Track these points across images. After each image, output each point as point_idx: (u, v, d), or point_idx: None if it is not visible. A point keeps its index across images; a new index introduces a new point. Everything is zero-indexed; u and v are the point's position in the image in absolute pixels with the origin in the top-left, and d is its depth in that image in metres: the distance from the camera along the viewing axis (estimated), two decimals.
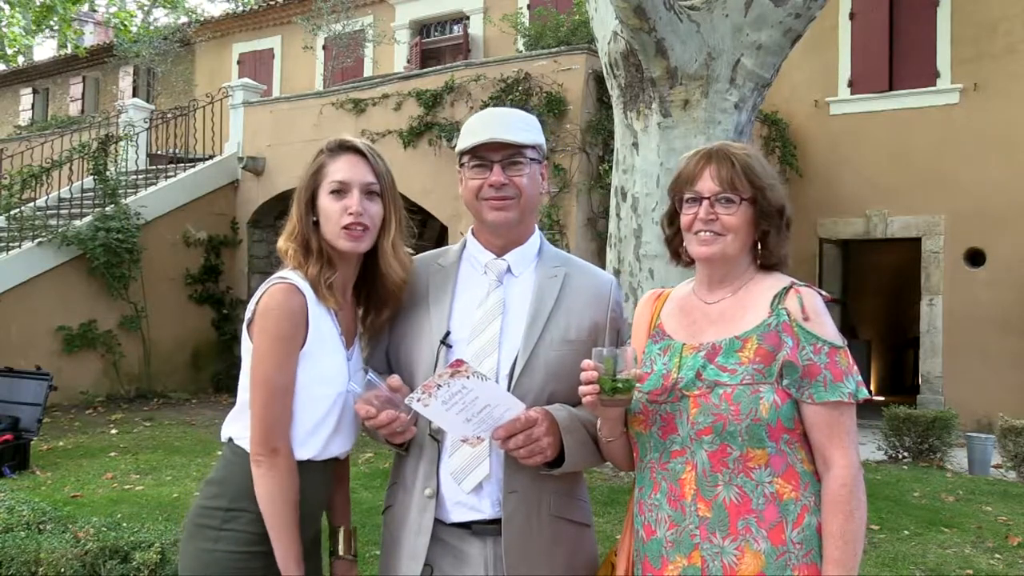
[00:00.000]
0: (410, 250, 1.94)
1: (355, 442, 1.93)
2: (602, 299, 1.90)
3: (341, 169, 1.84)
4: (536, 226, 1.97)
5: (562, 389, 1.79)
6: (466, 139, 1.85)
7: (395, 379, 1.74)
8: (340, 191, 1.82)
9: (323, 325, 1.81)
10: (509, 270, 1.88)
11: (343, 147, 1.87)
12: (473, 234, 1.94)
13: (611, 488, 5.97)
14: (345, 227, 1.80)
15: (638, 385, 1.75)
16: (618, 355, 1.62)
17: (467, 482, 1.76)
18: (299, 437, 1.79)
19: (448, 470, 1.77)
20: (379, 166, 1.87)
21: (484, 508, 1.76)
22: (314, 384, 1.79)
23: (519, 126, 1.85)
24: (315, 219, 1.85)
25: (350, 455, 1.99)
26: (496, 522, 1.76)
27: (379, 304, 1.92)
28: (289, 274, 1.82)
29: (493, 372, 1.77)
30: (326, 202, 1.83)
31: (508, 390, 1.75)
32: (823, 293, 1.74)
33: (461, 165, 1.88)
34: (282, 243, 1.88)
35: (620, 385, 1.61)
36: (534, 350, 1.79)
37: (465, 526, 1.77)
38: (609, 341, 1.86)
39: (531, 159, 1.85)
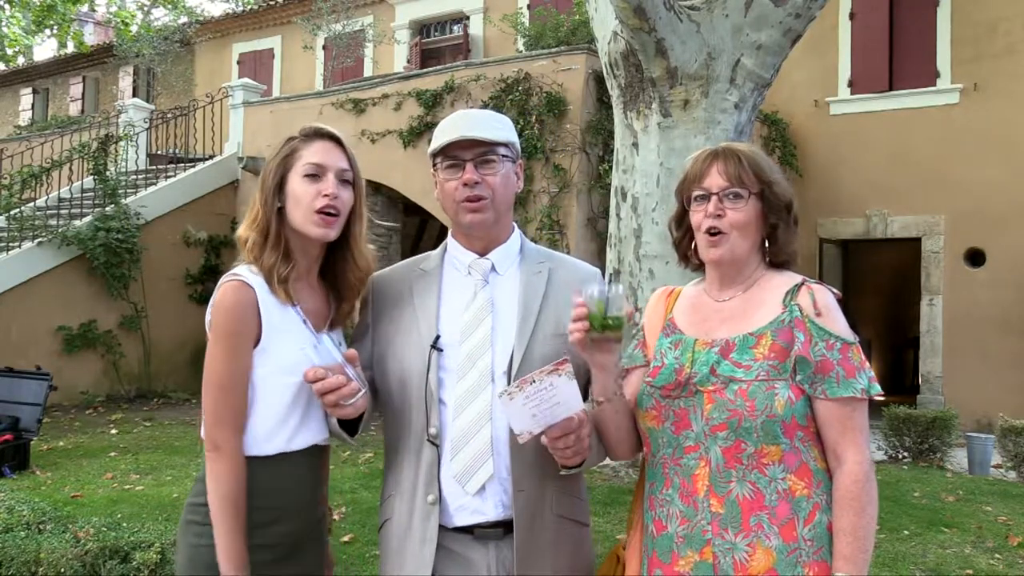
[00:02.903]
0: (372, 247, 1.94)
1: (329, 431, 1.90)
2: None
3: (317, 153, 1.83)
4: (514, 224, 1.96)
5: None
6: (437, 140, 1.85)
7: (351, 351, 1.76)
8: (315, 175, 1.82)
9: (278, 316, 1.80)
10: (494, 269, 1.88)
11: (318, 133, 1.86)
12: (453, 236, 1.94)
13: (611, 488, 5.97)
14: (319, 211, 1.80)
15: (650, 380, 1.75)
16: (610, 295, 1.60)
17: (471, 483, 1.75)
18: (264, 432, 1.78)
19: (451, 474, 1.76)
20: (352, 155, 1.88)
21: (487, 510, 1.75)
22: (274, 375, 1.78)
23: (490, 124, 1.84)
24: (279, 206, 1.83)
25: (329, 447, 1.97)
26: (498, 525, 1.75)
27: (342, 295, 1.91)
28: (240, 270, 1.82)
29: (488, 371, 1.77)
30: (299, 186, 1.81)
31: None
32: (834, 291, 1.74)
33: (435, 168, 1.87)
34: (242, 231, 1.85)
35: (611, 322, 1.59)
36: (528, 346, 1.78)
37: (468, 531, 1.76)
38: None
39: (504, 156, 1.84)
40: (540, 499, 1.77)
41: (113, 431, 8.46)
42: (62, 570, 3.26)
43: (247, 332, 1.77)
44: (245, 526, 1.74)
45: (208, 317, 1.82)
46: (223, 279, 1.82)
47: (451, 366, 1.78)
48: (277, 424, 1.79)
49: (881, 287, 13.89)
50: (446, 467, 1.76)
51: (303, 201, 1.80)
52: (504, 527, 1.76)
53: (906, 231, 11.00)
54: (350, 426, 1.82)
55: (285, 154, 1.85)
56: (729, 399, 1.63)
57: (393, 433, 1.86)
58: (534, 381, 1.62)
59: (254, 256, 1.82)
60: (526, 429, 1.68)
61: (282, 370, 1.78)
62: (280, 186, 1.84)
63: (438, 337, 1.80)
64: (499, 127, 1.85)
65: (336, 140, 1.87)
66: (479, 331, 1.80)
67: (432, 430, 1.76)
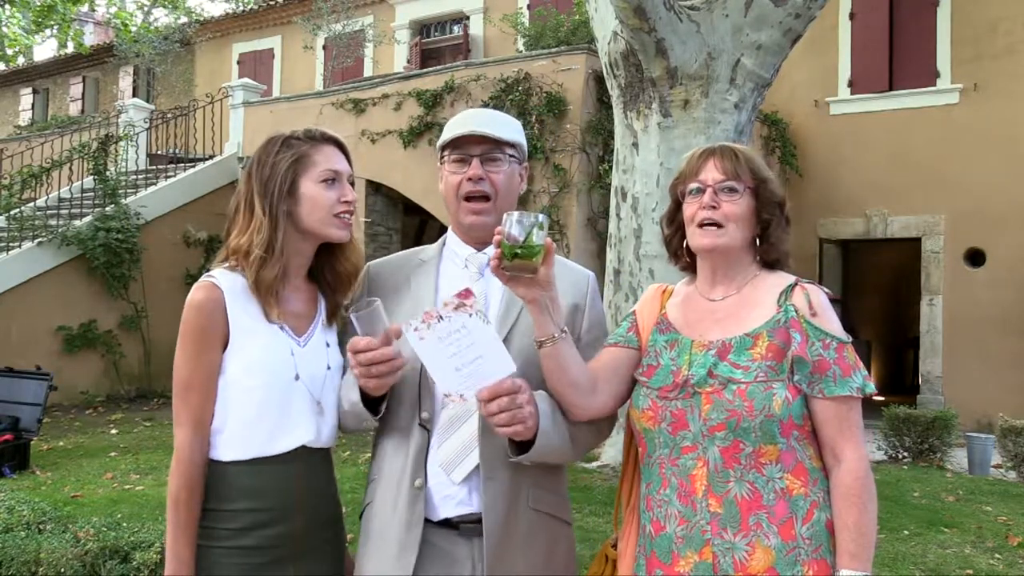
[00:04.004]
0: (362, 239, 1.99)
1: (328, 431, 1.88)
2: (580, 287, 1.90)
3: (331, 159, 1.88)
4: None
5: (537, 376, 1.75)
6: (446, 133, 1.88)
7: (395, 327, 1.66)
8: (333, 180, 1.86)
9: (248, 318, 1.80)
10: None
11: (326, 138, 1.91)
12: (453, 230, 1.95)
13: (611, 488, 5.97)
14: (337, 215, 1.85)
15: (645, 380, 1.75)
16: (534, 221, 1.56)
17: (457, 472, 1.74)
18: (238, 434, 1.78)
19: (437, 461, 1.75)
20: (351, 159, 1.94)
21: (474, 502, 1.74)
22: (245, 376, 1.78)
23: (500, 123, 1.87)
24: (285, 208, 1.85)
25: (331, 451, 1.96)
26: (480, 521, 1.73)
27: (335, 288, 1.94)
28: (214, 271, 1.84)
29: None
30: (315, 189, 1.84)
31: None
32: (826, 290, 1.75)
33: (442, 161, 1.90)
34: (241, 240, 1.83)
35: (519, 251, 1.55)
36: (507, 336, 1.78)
37: (453, 526, 1.75)
38: (587, 327, 1.87)
39: (510, 156, 1.87)
40: (515, 491, 1.75)
41: (113, 431, 8.46)
42: (62, 570, 3.26)
43: (211, 332, 1.78)
44: (192, 526, 1.75)
45: None
46: (198, 281, 1.85)
47: None
48: (251, 427, 1.78)
49: (881, 287, 13.90)
50: (433, 455, 1.76)
51: (323, 206, 1.84)
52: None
53: (906, 231, 11.01)
54: (373, 408, 1.77)
55: (296, 157, 1.86)
56: (728, 399, 1.64)
57: (385, 419, 1.83)
58: (442, 318, 1.60)
59: (258, 266, 1.80)
60: (454, 389, 1.63)
61: (251, 372, 1.78)
62: (290, 189, 1.85)
63: None
64: (508, 127, 1.88)
65: (342, 146, 1.93)
66: None
67: (424, 414, 1.76)
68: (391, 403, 1.80)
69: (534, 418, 1.66)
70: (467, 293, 1.62)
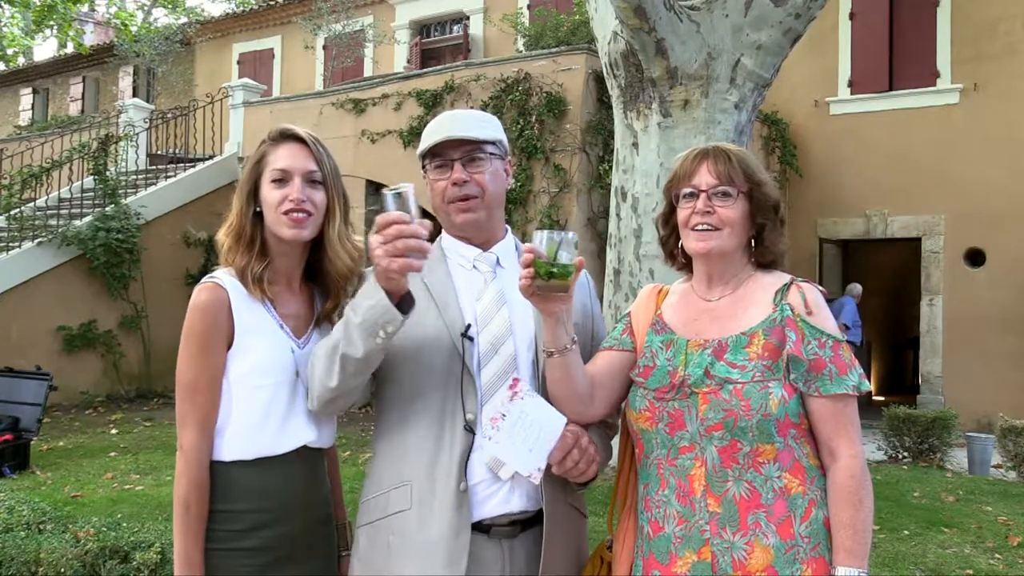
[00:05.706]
0: (359, 238, 1.92)
1: (327, 432, 1.88)
2: (582, 286, 1.93)
3: (282, 158, 1.83)
4: (507, 227, 1.96)
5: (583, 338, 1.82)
6: (424, 141, 1.86)
7: (428, 221, 1.61)
8: (281, 179, 1.82)
9: (252, 318, 1.80)
10: (499, 262, 1.87)
11: (284, 136, 1.87)
12: (449, 234, 1.94)
13: (611, 488, 5.97)
14: (286, 213, 1.80)
15: (641, 380, 1.75)
16: (558, 240, 1.58)
17: (505, 470, 1.72)
18: (242, 435, 1.77)
19: (483, 461, 1.72)
20: (321, 155, 1.87)
21: (513, 501, 1.73)
22: (250, 376, 1.78)
23: (476, 123, 1.85)
24: (257, 209, 1.85)
25: (334, 449, 1.96)
26: (515, 523, 1.74)
27: (326, 294, 1.92)
28: (217, 273, 1.84)
29: (511, 359, 1.76)
30: (267, 191, 1.83)
31: (538, 377, 1.76)
32: (821, 289, 1.76)
33: (424, 169, 1.88)
34: (220, 235, 1.87)
35: (556, 270, 1.57)
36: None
37: (483, 530, 1.72)
38: (593, 325, 1.91)
39: (491, 154, 1.85)
40: (560, 488, 1.78)
41: (113, 431, 8.46)
42: (62, 570, 3.26)
43: (217, 332, 1.78)
44: (202, 528, 1.74)
45: None
46: (200, 282, 1.84)
47: (475, 353, 1.77)
48: (255, 427, 1.78)
49: (881, 287, 13.89)
50: (476, 455, 1.73)
51: (272, 205, 1.82)
52: (520, 525, 1.74)
53: (906, 231, 11.00)
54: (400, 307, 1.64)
55: (256, 160, 1.86)
56: (724, 399, 1.64)
57: (402, 422, 1.78)
58: (504, 415, 1.65)
59: (229, 259, 1.83)
60: (533, 468, 1.68)
61: (256, 372, 1.78)
62: (255, 191, 1.85)
63: (469, 326, 1.78)
64: (485, 125, 1.86)
65: (302, 141, 1.86)
66: (497, 320, 1.79)
67: (469, 416, 1.72)
68: (417, 408, 1.76)
69: (597, 450, 1.75)
70: (515, 382, 1.68)
